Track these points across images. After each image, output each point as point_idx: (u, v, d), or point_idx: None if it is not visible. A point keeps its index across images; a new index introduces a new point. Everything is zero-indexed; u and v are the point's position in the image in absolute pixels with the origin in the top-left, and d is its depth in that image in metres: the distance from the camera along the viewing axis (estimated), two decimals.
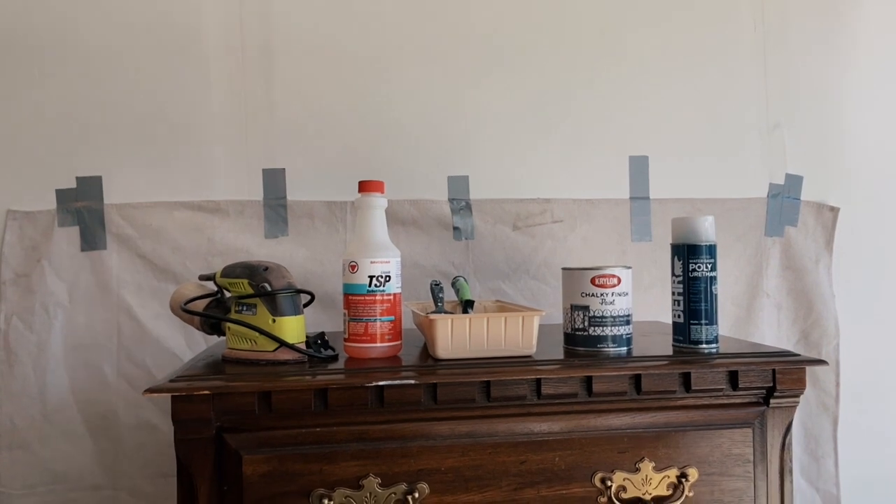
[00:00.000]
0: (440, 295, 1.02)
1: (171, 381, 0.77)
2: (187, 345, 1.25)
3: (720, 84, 1.43)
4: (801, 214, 1.45)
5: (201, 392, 0.75)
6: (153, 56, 1.26)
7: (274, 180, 1.30)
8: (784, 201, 1.45)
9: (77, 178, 1.23)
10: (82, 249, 1.23)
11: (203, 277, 0.98)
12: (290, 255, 1.28)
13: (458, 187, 1.36)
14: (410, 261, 1.31)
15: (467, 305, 1.02)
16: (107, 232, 1.24)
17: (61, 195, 1.23)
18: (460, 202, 1.35)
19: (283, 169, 1.30)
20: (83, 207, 1.23)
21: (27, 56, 1.23)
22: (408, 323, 1.06)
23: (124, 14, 1.25)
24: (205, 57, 1.27)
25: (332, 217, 1.31)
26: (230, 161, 1.29)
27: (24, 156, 1.23)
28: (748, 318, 1.44)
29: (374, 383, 0.79)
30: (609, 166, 1.40)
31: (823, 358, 1.42)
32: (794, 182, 1.46)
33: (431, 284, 1.04)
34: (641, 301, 1.36)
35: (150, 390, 0.75)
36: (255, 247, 1.28)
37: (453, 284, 1.11)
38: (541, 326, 0.91)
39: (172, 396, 0.75)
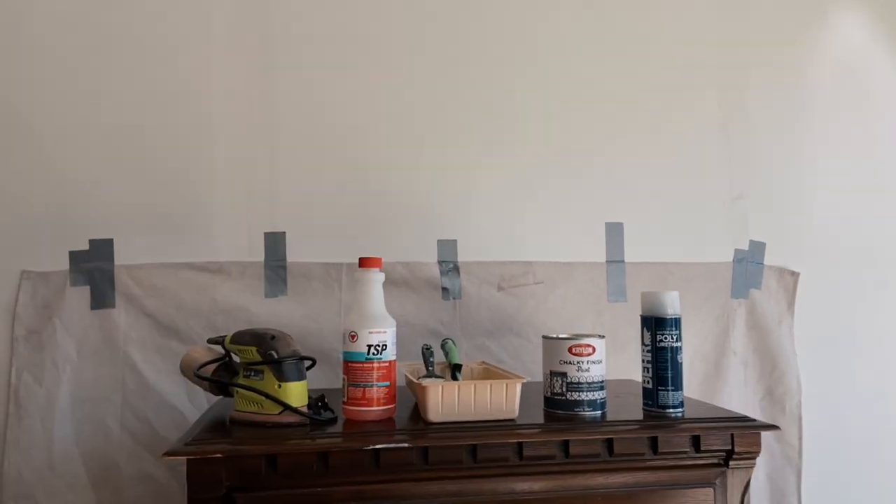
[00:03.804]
0: (431, 359, 1.11)
1: (187, 444, 0.84)
2: (189, 399, 1.32)
3: (688, 158, 1.55)
4: (764, 278, 1.57)
5: (215, 455, 0.83)
6: (162, 129, 1.35)
7: (275, 243, 1.39)
8: (748, 266, 1.56)
9: (90, 241, 1.31)
10: (92, 308, 1.30)
11: (212, 341, 1.06)
12: (288, 314, 1.36)
13: (446, 250, 1.45)
14: (401, 320, 1.36)
15: (455, 369, 1.11)
16: (116, 291, 1.31)
17: (74, 256, 1.30)
18: (449, 264, 1.44)
19: (284, 232, 1.39)
20: (94, 268, 1.31)
21: (43, 128, 1.32)
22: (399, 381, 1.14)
23: (137, 92, 1.35)
24: (211, 130, 1.37)
25: (328, 278, 1.39)
26: (233, 225, 1.37)
27: (39, 218, 1.31)
28: (717, 374, 1.53)
29: (371, 446, 0.87)
30: (587, 232, 1.51)
31: (787, 413, 1.54)
32: (757, 248, 1.57)
33: (423, 349, 1.13)
34: (617, 359, 1.42)
35: (169, 454, 0.82)
36: (256, 306, 1.36)
37: (442, 347, 1.19)
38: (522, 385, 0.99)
39: (188, 459, 0.83)
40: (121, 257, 1.32)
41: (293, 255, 1.39)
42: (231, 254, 1.37)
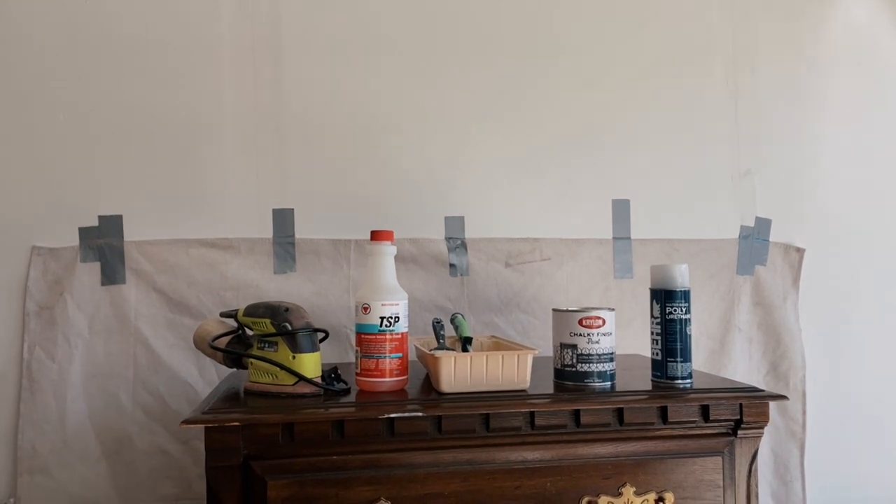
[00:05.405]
0: (441, 332, 1.12)
1: (205, 412, 0.85)
2: (199, 374, 1.33)
3: (695, 134, 1.55)
4: (769, 255, 1.57)
5: (232, 423, 0.84)
6: (172, 105, 1.35)
7: (283, 219, 1.39)
8: (754, 242, 1.57)
9: (99, 217, 1.32)
10: (102, 284, 1.31)
11: (225, 314, 1.07)
12: (297, 290, 1.37)
13: (454, 227, 1.45)
14: (409, 295, 1.38)
15: (466, 342, 1.12)
16: (126, 267, 1.32)
17: (84, 233, 1.31)
18: (456, 241, 1.45)
19: (292, 209, 1.39)
20: (104, 244, 1.31)
21: (53, 106, 1.32)
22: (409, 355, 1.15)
23: (147, 68, 1.35)
24: (221, 108, 1.37)
25: (336, 254, 1.40)
26: (242, 201, 1.38)
27: (49, 195, 1.31)
28: (722, 350, 1.54)
29: (385, 416, 0.88)
30: (594, 209, 1.51)
31: (791, 388, 1.56)
32: (763, 225, 1.58)
33: (433, 322, 1.14)
34: (623, 334, 1.45)
35: (187, 422, 0.83)
36: (265, 282, 1.37)
37: (452, 321, 1.20)
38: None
39: (206, 427, 0.84)
40: (130, 233, 1.33)
41: (301, 231, 1.40)
42: (240, 230, 1.37)
